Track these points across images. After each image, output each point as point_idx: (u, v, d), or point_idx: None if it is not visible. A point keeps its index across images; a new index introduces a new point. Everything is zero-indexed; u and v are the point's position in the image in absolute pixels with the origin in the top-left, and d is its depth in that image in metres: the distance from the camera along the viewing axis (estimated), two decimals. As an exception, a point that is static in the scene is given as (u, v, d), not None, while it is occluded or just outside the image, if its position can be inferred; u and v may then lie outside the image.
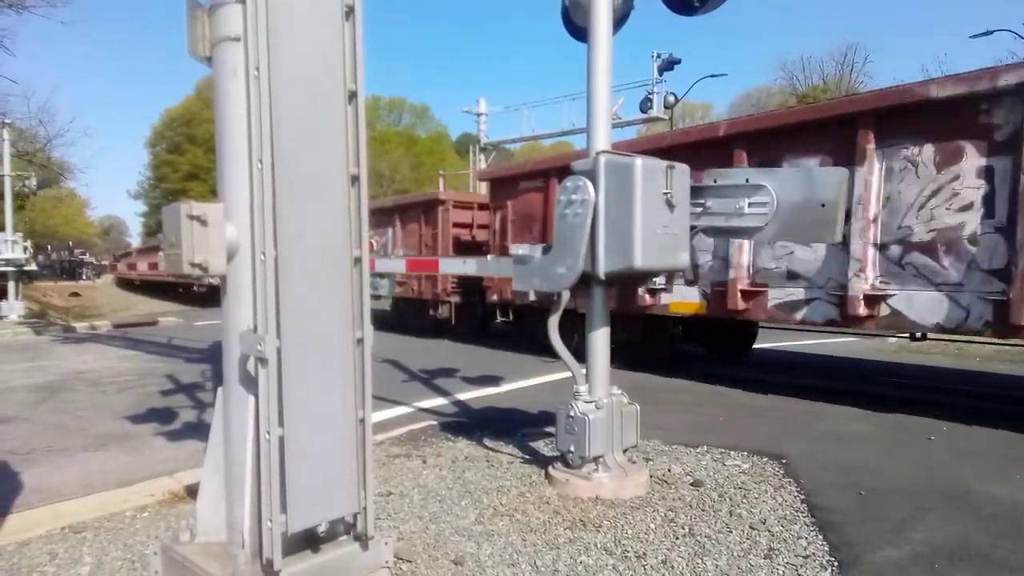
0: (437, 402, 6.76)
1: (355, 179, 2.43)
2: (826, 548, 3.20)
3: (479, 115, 24.69)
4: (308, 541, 2.44)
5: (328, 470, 2.38)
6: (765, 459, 4.65)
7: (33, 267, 17.46)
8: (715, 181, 4.04)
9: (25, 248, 16.62)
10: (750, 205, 3.86)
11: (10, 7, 21.54)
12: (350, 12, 2.39)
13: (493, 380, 7.89)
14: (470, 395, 7.09)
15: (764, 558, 3.09)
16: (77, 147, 67.92)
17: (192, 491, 3.65)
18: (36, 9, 21.52)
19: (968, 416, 5.90)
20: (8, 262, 16.22)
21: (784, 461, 4.59)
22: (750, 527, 3.43)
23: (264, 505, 2.25)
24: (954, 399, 6.85)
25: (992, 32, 22.40)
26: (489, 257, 5.40)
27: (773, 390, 7.12)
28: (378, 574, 2.63)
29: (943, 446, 5.11)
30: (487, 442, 5.00)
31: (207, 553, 2.49)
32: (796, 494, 3.95)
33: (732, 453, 4.78)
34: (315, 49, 2.31)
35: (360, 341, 2.46)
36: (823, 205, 3.70)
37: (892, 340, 11.44)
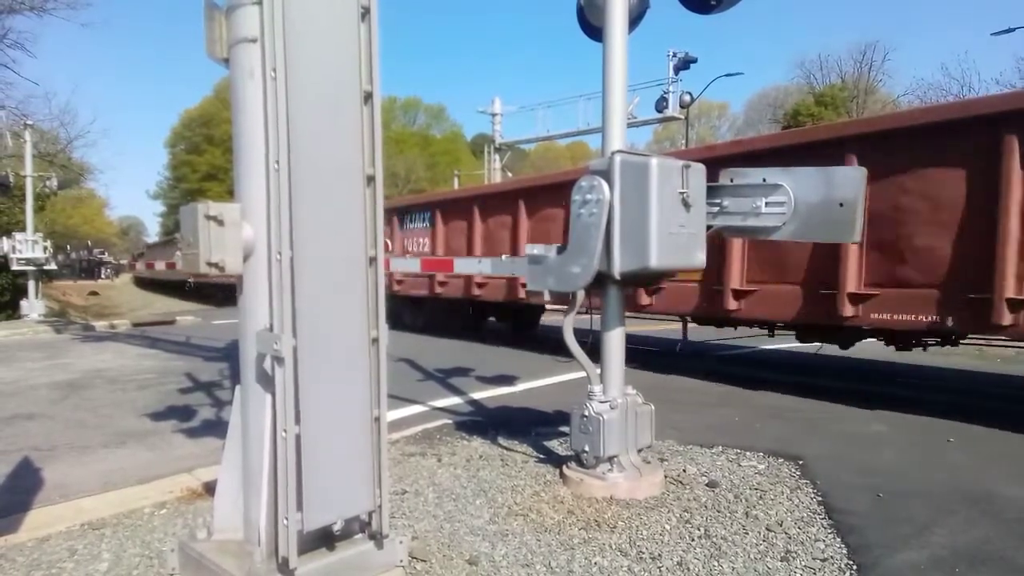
0: (452, 401, 6.77)
1: (371, 179, 2.44)
2: (844, 551, 3.17)
3: (494, 115, 24.71)
4: (323, 539, 2.45)
5: (343, 468, 2.39)
6: (781, 460, 4.61)
7: (53, 266, 17.62)
8: (732, 180, 4.02)
9: (45, 248, 16.80)
10: (767, 204, 3.83)
11: (31, 10, 21.87)
12: (366, 13, 2.40)
13: (508, 380, 7.89)
14: (485, 394, 7.10)
15: (781, 560, 3.06)
16: (97, 148, 68.69)
17: (210, 488, 3.68)
18: (57, 11, 21.85)
19: (989, 418, 5.82)
20: (29, 261, 16.41)
21: (801, 462, 4.55)
22: (767, 529, 3.41)
23: (280, 503, 2.27)
24: (975, 401, 6.76)
25: (1014, 29, 22.11)
26: (504, 257, 5.39)
27: (789, 391, 7.06)
28: (393, 573, 2.64)
29: (964, 448, 5.05)
30: (501, 441, 5.00)
31: (224, 551, 2.51)
32: (813, 496, 3.92)
33: (748, 454, 4.75)
34: (331, 50, 2.32)
35: (375, 340, 2.47)
36: (841, 204, 3.66)
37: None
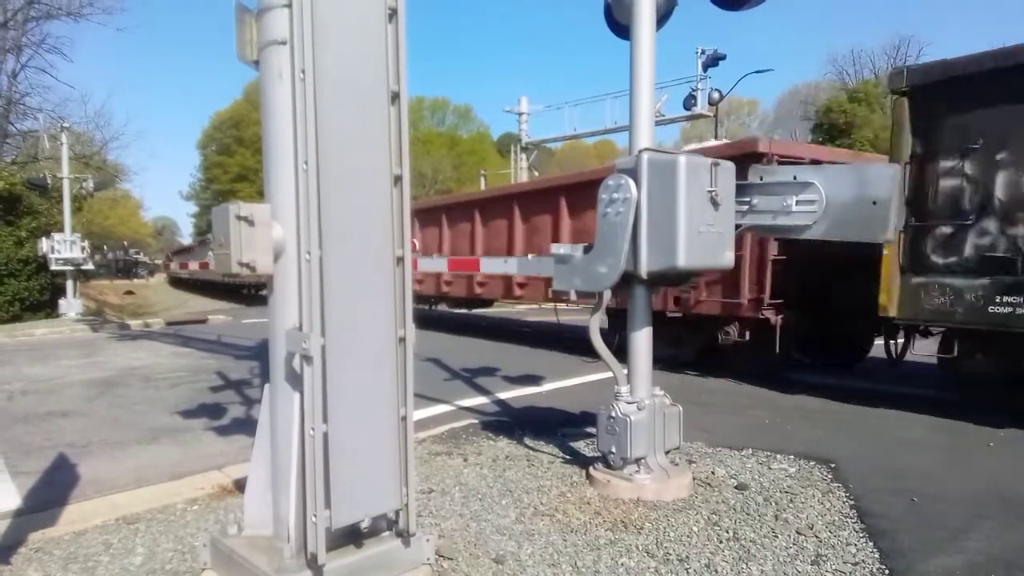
0: (478, 401, 6.79)
1: (398, 179, 2.45)
2: (876, 555, 3.11)
3: (520, 114, 24.71)
4: (351, 536, 2.47)
5: (371, 467, 2.41)
6: (812, 463, 4.54)
7: (90, 266, 17.95)
8: (761, 178, 3.97)
9: (83, 248, 17.15)
10: (798, 203, 3.78)
11: (68, 15, 22.43)
12: (393, 14, 2.41)
13: (534, 380, 7.88)
14: (511, 394, 7.10)
15: (811, 564, 3.01)
16: (131, 150, 70.24)
17: (240, 485, 3.74)
18: (93, 17, 22.38)
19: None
20: (67, 261, 16.78)
21: (832, 465, 4.48)
22: (797, 532, 3.36)
23: (309, 500, 2.29)
24: (1014, 403, 6.56)
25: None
26: (530, 256, 5.39)
27: (819, 392, 6.95)
28: (419, 571, 2.65)
29: (1002, 452, 4.92)
30: (528, 441, 5.00)
31: (254, 546, 2.54)
32: (845, 499, 3.85)
33: (778, 456, 4.68)
34: (359, 51, 2.34)
35: (402, 340, 2.48)
36: (874, 202, 3.59)
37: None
